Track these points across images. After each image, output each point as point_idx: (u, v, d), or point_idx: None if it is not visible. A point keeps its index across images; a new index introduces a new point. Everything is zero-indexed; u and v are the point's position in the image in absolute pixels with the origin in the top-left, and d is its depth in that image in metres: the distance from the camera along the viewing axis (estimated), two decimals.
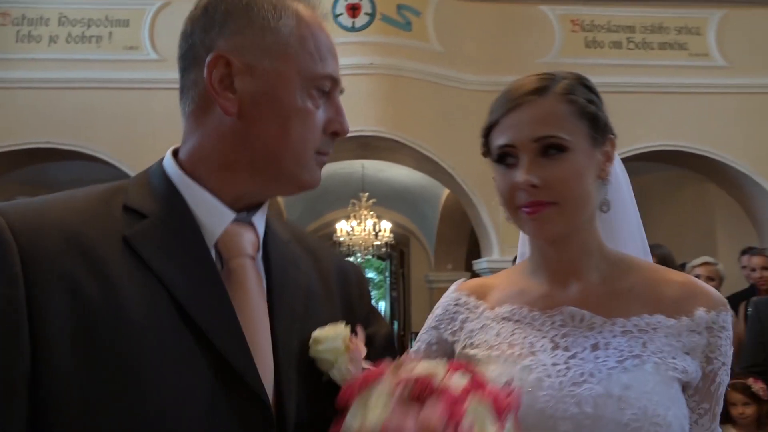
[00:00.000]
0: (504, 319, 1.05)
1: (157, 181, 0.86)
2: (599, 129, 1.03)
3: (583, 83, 1.06)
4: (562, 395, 0.92)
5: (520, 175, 0.98)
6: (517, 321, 1.04)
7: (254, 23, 0.82)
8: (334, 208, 10.50)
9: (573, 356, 0.97)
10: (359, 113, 6.28)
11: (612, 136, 1.05)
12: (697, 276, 3.99)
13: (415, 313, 12.10)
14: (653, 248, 3.43)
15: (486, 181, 1.11)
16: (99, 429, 0.68)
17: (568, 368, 0.96)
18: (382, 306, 22.91)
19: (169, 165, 0.87)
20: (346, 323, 0.87)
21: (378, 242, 9.94)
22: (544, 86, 1.02)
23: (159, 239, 0.79)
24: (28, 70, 6.70)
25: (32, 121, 6.65)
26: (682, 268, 5.04)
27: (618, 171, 1.13)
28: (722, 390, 0.99)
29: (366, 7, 6.42)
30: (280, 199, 9.31)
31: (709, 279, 3.91)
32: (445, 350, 1.11)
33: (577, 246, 1.05)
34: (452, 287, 1.20)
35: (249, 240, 0.85)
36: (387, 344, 0.95)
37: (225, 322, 0.76)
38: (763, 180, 6.85)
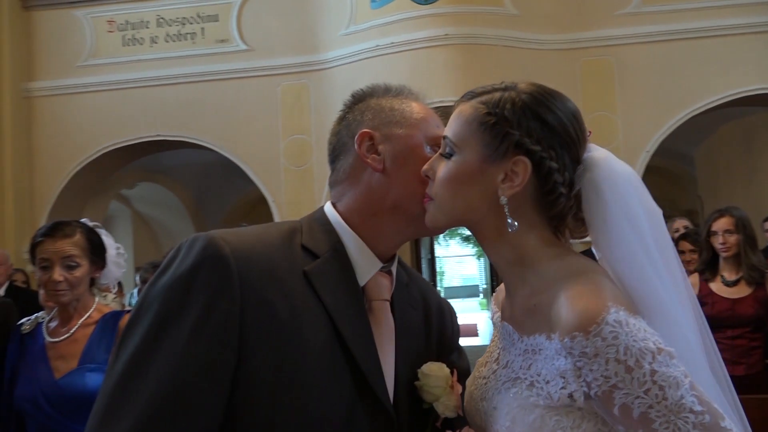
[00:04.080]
0: (496, 326, 1.15)
1: (323, 227, 1.07)
2: (500, 145, 0.99)
3: (522, 101, 1.00)
4: (471, 407, 1.07)
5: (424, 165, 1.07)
6: (497, 328, 1.13)
7: (384, 109, 1.10)
8: None
9: (494, 371, 1.05)
10: (437, 84, 6.42)
11: (523, 158, 0.98)
12: None
13: None
14: (730, 210, 3.44)
15: None
16: (275, 418, 0.90)
17: (486, 383, 1.05)
18: (481, 263, 23.07)
19: (332, 214, 1.08)
20: (440, 355, 1.13)
21: None
22: (475, 92, 1.05)
23: (328, 276, 1.00)
24: (135, 71, 7.38)
25: (143, 117, 7.34)
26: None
27: (609, 188, 1.00)
28: (638, 412, 0.86)
29: None
30: None
31: None
32: None
33: (494, 256, 1.06)
34: None
35: (386, 286, 1.08)
36: (464, 376, 1.18)
37: (367, 350, 0.99)
38: None
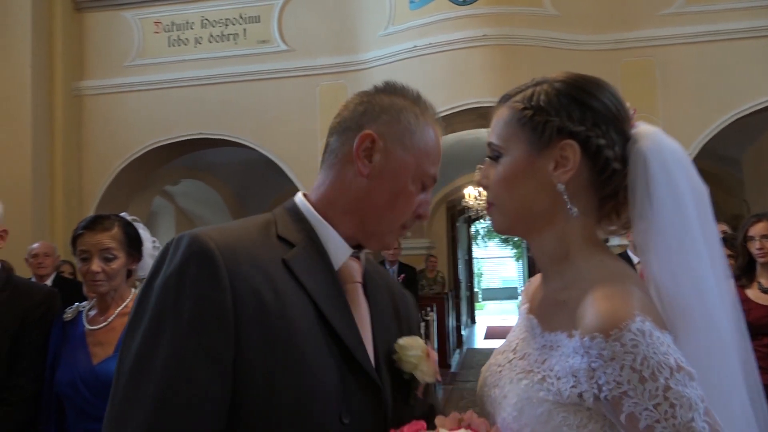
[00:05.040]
0: (521, 317, 1.16)
1: (296, 218, 1.11)
2: (543, 135, 1.01)
3: (556, 89, 1.03)
4: (483, 392, 1.10)
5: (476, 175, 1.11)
6: (522, 319, 1.15)
7: (401, 123, 1.10)
8: (462, 173, 10.70)
9: (510, 361, 1.06)
10: (475, 85, 6.42)
11: (569, 141, 1.00)
12: None
13: None
14: (761, 216, 3.35)
15: None
16: (274, 398, 0.95)
17: (500, 371, 1.07)
18: (520, 265, 22.87)
19: (303, 204, 1.13)
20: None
21: None
22: (509, 94, 1.08)
23: (305, 263, 1.05)
24: (179, 71, 7.59)
25: (185, 116, 7.55)
26: None
27: (663, 174, 0.99)
28: (644, 424, 0.85)
29: None
30: None
31: None
32: None
33: (537, 249, 1.08)
34: None
35: (357, 270, 1.14)
36: None
37: (349, 327, 1.05)
38: None
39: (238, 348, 0.95)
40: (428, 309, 8.13)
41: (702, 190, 1.01)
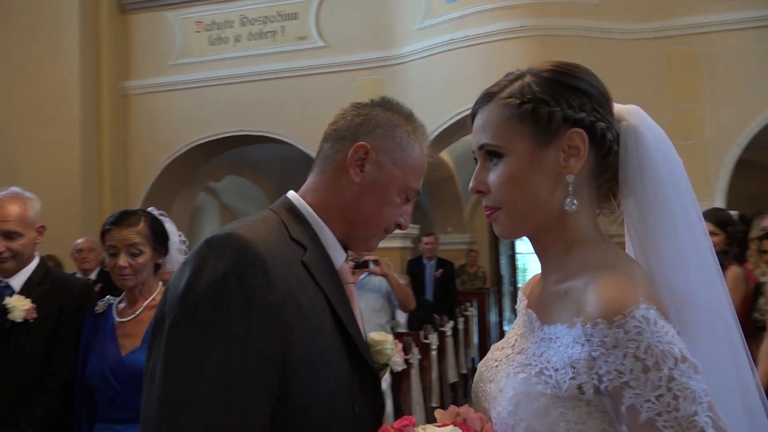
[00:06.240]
0: (520, 313, 1.15)
1: (298, 219, 1.15)
2: (548, 127, 0.98)
3: (545, 79, 1.00)
4: (478, 388, 1.08)
5: (471, 181, 1.06)
6: (520, 315, 1.15)
7: (394, 139, 1.18)
8: None
9: (507, 356, 1.04)
10: None
11: (577, 129, 0.97)
12: None
13: None
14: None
15: None
16: (311, 396, 1.01)
17: (497, 365, 1.05)
18: None
19: (304, 208, 1.17)
20: None
21: None
22: (492, 93, 1.03)
23: (319, 265, 1.11)
24: (220, 69, 7.75)
25: (227, 113, 7.70)
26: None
27: (653, 160, 0.99)
28: (645, 417, 0.82)
29: None
30: (451, 163, 9.64)
31: None
32: None
33: (543, 245, 1.04)
34: None
35: (349, 271, 1.22)
36: None
37: (355, 326, 1.13)
38: None
39: (286, 348, 0.98)
40: (467, 304, 8.07)
41: (681, 164, 1.01)
